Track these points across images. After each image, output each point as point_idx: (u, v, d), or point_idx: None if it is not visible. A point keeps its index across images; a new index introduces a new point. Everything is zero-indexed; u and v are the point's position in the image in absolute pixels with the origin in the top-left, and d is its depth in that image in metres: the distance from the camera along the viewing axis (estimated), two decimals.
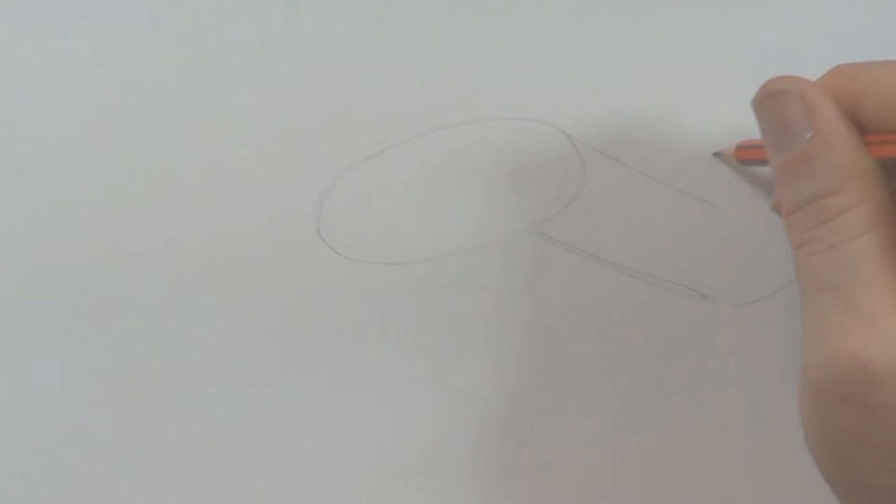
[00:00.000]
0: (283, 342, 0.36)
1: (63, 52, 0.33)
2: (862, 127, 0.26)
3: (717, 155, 0.37)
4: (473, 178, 0.36)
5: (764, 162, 0.32)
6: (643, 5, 0.37)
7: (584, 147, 0.37)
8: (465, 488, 0.37)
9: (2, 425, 0.35)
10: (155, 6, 0.34)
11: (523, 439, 0.38)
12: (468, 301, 0.37)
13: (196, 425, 0.36)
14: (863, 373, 0.24)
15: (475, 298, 0.37)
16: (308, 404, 0.37)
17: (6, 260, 0.34)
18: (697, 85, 0.37)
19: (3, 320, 0.35)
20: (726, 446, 0.39)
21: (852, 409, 0.25)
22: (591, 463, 0.38)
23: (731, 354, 0.39)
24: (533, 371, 0.37)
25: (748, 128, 0.38)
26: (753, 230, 0.39)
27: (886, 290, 0.24)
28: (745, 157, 0.35)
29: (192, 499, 0.36)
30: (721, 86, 0.38)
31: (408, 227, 0.36)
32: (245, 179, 0.35)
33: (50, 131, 0.34)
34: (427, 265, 0.36)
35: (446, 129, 0.36)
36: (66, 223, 0.34)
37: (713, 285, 0.38)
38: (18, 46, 0.33)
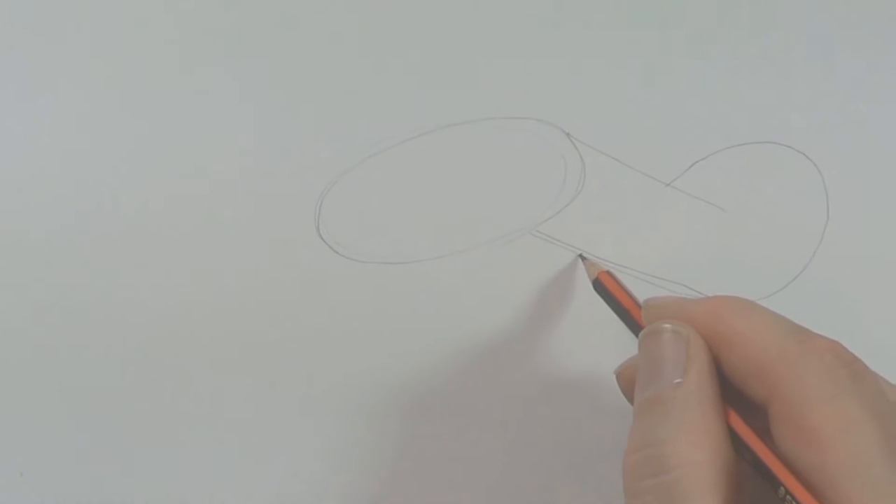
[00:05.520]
0: (283, 341, 0.36)
1: (63, 51, 0.33)
2: (723, 371, 0.26)
3: (581, 256, 0.36)
4: (473, 178, 0.36)
5: (614, 304, 0.32)
6: (643, 6, 0.37)
7: (584, 147, 0.37)
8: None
9: (2, 425, 0.35)
10: (155, 6, 0.34)
11: (525, 438, 0.38)
12: (468, 301, 0.37)
13: (197, 423, 0.36)
14: None
15: (475, 298, 0.37)
16: (307, 403, 0.37)
17: (7, 260, 0.34)
18: (698, 85, 0.37)
19: (3, 321, 0.35)
20: None
21: None
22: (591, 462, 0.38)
23: None
24: (533, 370, 0.37)
25: (748, 128, 0.38)
26: (753, 230, 0.39)
27: None
28: (605, 285, 0.33)
29: (196, 499, 0.36)
30: (721, 86, 0.38)
31: (408, 227, 0.36)
32: (245, 179, 0.35)
33: (49, 129, 0.34)
34: (427, 265, 0.36)
35: (447, 129, 0.36)
36: (67, 223, 0.34)
37: (713, 285, 0.38)
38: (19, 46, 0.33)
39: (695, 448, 0.24)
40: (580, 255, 0.36)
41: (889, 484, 0.22)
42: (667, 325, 0.27)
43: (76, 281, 0.34)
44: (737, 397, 0.26)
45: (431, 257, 0.36)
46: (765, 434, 0.25)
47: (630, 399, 0.28)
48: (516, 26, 0.36)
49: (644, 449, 0.25)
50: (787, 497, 0.24)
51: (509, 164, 0.36)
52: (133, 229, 0.34)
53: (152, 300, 0.35)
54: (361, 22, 0.35)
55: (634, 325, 0.30)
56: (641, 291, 0.37)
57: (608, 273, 0.33)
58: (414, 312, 0.36)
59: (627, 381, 0.29)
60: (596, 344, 0.38)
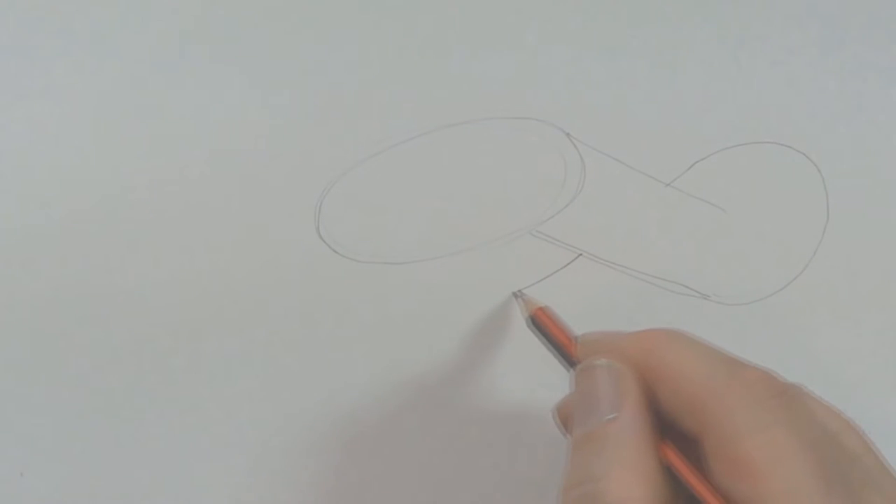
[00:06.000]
0: (283, 341, 0.36)
1: (62, 51, 0.33)
2: (658, 405, 0.26)
3: (515, 294, 0.36)
4: (473, 178, 0.36)
5: (548, 340, 0.31)
6: (643, 6, 0.37)
7: (584, 147, 0.37)
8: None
9: (2, 425, 0.35)
10: (156, 5, 0.34)
11: (528, 433, 0.38)
12: (468, 301, 0.37)
13: (196, 422, 0.36)
14: None
15: (475, 298, 0.37)
16: (307, 402, 0.37)
17: (8, 261, 0.34)
18: (698, 85, 0.37)
19: (4, 321, 0.35)
20: None
21: None
22: None
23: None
24: (532, 368, 0.37)
25: (748, 128, 0.38)
26: (753, 230, 0.39)
27: None
28: (539, 322, 0.33)
29: (198, 499, 0.36)
30: (721, 86, 0.38)
31: (408, 227, 0.36)
32: (245, 179, 0.35)
33: (48, 132, 0.34)
34: (427, 265, 0.36)
35: (446, 129, 0.36)
36: (66, 224, 0.34)
37: (713, 285, 0.38)
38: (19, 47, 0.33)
39: (630, 485, 0.24)
40: (514, 293, 0.35)
41: None
42: (600, 361, 0.27)
43: (76, 281, 0.34)
44: (673, 431, 0.26)
45: (431, 257, 0.36)
46: (701, 467, 0.25)
47: (568, 435, 0.28)
48: (516, 26, 0.36)
49: (580, 486, 0.25)
50: None
51: (509, 164, 0.36)
52: (133, 229, 0.34)
53: (152, 300, 0.35)
54: (361, 22, 0.35)
55: (570, 362, 0.30)
56: (642, 291, 0.37)
57: (542, 310, 0.32)
58: (413, 313, 0.36)
59: (564, 417, 0.29)
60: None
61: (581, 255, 0.37)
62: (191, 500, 0.36)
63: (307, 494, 0.37)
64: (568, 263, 0.37)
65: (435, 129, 0.36)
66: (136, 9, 0.33)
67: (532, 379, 0.37)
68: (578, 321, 0.37)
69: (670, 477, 0.25)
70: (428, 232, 0.36)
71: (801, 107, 0.38)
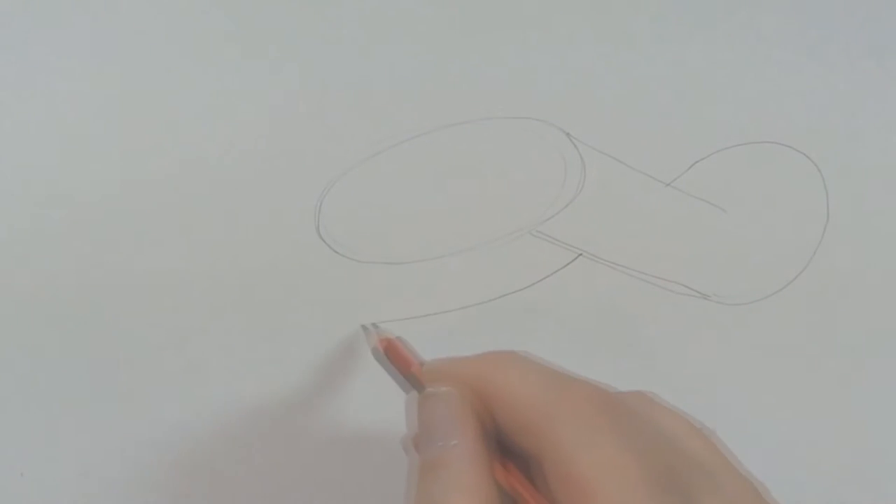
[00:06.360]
0: (283, 341, 0.36)
1: (62, 51, 0.33)
2: (498, 428, 0.27)
3: (364, 328, 0.36)
4: (473, 178, 0.36)
5: (393, 372, 0.32)
6: (644, 6, 0.37)
7: (584, 147, 0.37)
8: None
9: (2, 425, 0.35)
10: (156, 6, 0.34)
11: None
12: (468, 301, 0.37)
13: (197, 424, 0.36)
14: None
15: (475, 298, 0.37)
16: (306, 401, 0.37)
17: (8, 261, 0.34)
18: (698, 85, 0.37)
19: (4, 321, 0.35)
20: (725, 444, 0.39)
21: None
22: None
23: (731, 354, 0.39)
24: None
25: (748, 128, 0.38)
26: (753, 230, 0.39)
27: None
28: (383, 354, 0.33)
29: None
30: (721, 85, 0.38)
31: (407, 227, 0.36)
32: (245, 179, 0.35)
33: (49, 130, 0.34)
34: (427, 265, 0.36)
35: (446, 129, 0.36)
36: (67, 223, 0.34)
37: (713, 285, 0.38)
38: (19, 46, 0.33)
39: None
40: (363, 326, 0.35)
41: None
42: (438, 390, 0.28)
43: (76, 281, 0.34)
44: (514, 453, 0.26)
45: (431, 257, 0.36)
46: (542, 488, 0.25)
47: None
48: (516, 26, 0.36)
49: None
50: None
51: (509, 164, 0.36)
52: (132, 228, 0.34)
53: (152, 300, 0.35)
54: (361, 22, 0.35)
55: (419, 391, 0.31)
56: (642, 291, 0.37)
57: (388, 341, 0.33)
58: (413, 313, 0.36)
59: (410, 445, 0.30)
60: (596, 343, 0.38)
61: (581, 255, 0.37)
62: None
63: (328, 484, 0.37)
64: (568, 263, 0.37)
65: (435, 129, 0.36)
66: (136, 8, 0.33)
67: None
68: (578, 321, 0.37)
69: (511, 500, 0.26)
70: (428, 232, 0.36)
71: (801, 107, 0.38)
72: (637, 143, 0.37)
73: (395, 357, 0.32)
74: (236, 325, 0.36)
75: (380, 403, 0.37)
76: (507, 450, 0.27)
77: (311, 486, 0.37)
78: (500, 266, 0.37)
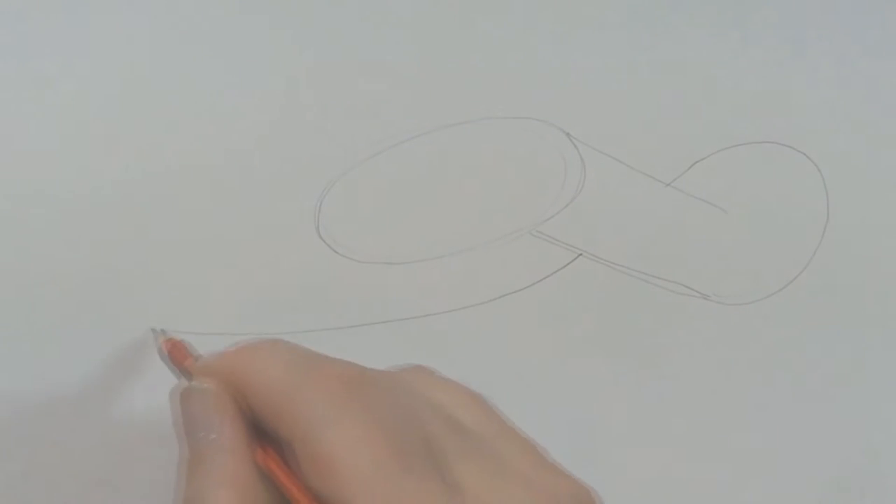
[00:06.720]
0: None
1: (63, 50, 0.33)
2: (255, 416, 0.27)
3: (153, 330, 0.35)
4: (473, 178, 0.36)
5: (172, 368, 0.32)
6: (644, 7, 0.37)
7: (584, 147, 0.37)
8: None
9: (2, 425, 0.35)
10: (156, 6, 0.34)
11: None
12: (468, 301, 0.37)
13: None
14: None
15: (475, 299, 0.37)
16: None
17: (8, 260, 0.34)
18: (698, 85, 0.37)
19: (4, 320, 0.35)
20: (726, 445, 0.39)
21: None
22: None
23: (731, 354, 0.39)
24: (531, 368, 0.37)
25: (748, 128, 0.38)
26: (753, 230, 0.39)
27: None
28: (170, 354, 0.33)
29: None
30: (721, 85, 0.38)
31: (408, 227, 0.36)
32: (245, 179, 0.35)
33: (49, 130, 0.34)
34: (427, 265, 0.36)
35: (446, 129, 0.36)
36: (67, 222, 0.34)
37: (713, 285, 0.38)
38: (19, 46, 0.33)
39: (228, 500, 0.25)
40: (152, 329, 0.35)
41: (398, 492, 0.23)
42: (195, 385, 0.28)
43: (75, 280, 0.34)
44: (274, 440, 0.27)
45: (431, 257, 0.36)
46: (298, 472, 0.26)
47: None
48: (517, 26, 0.36)
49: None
50: None
51: (509, 164, 0.36)
52: (132, 228, 0.34)
53: (151, 300, 0.35)
54: (361, 22, 0.35)
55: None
56: (642, 291, 0.37)
57: (173, 342, 0.33)
58: (413, 313, 0.36)
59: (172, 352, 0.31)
60: (595, 343, 0.38)
61: (581, 255, 0.37)
62: None
63: None
64: (568, 263, 0.37)
65: (435, 129, 0.36)
66: (136, 8, 0.33)
67: None
68: (578, 321, 0.37)
69: (275, 488, 0.26)
70: (428, 232, 0.36)
71: (801, 107, 0.38)
72: (637, 143, 0.37)
73: (176, 356, 0.32)
74: (237, 325, 0.35)
75: None
76: (268, 438, 0.27)
77: None
78: (500, 266, 0.37)
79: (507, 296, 0.37)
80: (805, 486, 0.40)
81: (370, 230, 0.36)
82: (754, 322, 0.39)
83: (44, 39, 0.33)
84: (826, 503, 0.41)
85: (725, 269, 0.39)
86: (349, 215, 0.35)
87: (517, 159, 0.36)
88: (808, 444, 0.41)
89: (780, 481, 0.39)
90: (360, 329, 0.36)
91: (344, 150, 0.35)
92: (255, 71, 0.34)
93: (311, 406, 0.25)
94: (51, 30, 0.33)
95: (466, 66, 0.36)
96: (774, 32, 0.38)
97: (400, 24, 0.35)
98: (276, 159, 0.35)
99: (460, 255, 0.36)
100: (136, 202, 0.34)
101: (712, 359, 0.39)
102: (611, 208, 0.37)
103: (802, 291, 0.39)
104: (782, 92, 0.38)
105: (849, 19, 0.38)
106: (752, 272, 0.39)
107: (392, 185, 0.36)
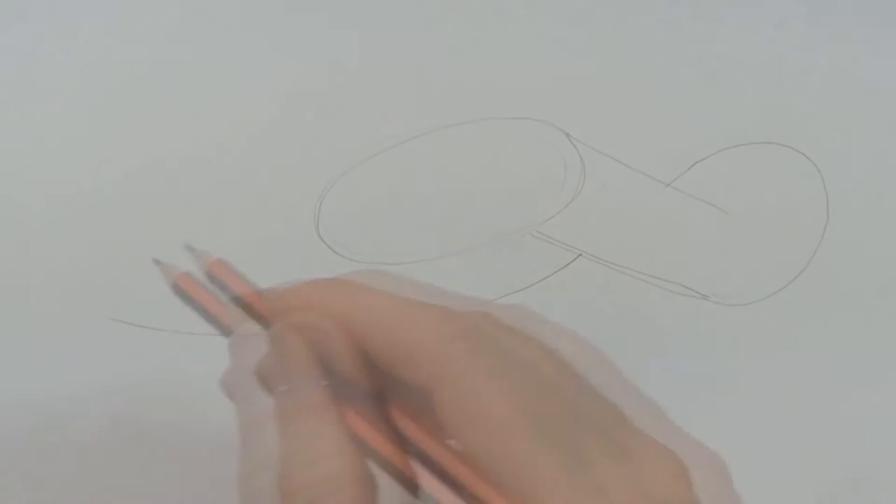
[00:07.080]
0: None
1: (63, 50, 0.33)
2: (372, 359, 0.23)
3: (155, 261, 0.29)
4: (473, 178, 0.36)
5: (199, 307, 0.27)
6: (643, 7, 0.37)
7: (584, 147, 0.37)
8: None
9: (2, 425, 0.35)
10: (157, 6, 0.34)
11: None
12: None
13: (199, 427, 0.36)
14: None
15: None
16: None
17: (9, 258, 0.34)
18: (697, 85, 0.37)
19: (4, 319, 0.35)
20: (726, 445, 0.39)
21: None
22: None
23: (731, 354, 0.39)
24: None
25: (748, 128, 0.38)
26: (753, 230, 0.39)
27: None
28: (184, 289, 0.28)
29: None
30: (721, 85, 0.38)
31: (407, 227, 0.36)
32: (245, 179, 0.35)
33: (49, 130, 0.34)
34: (427, 265, 0.36)
35: (446, 129, 0.36)
36: (67, 222, 0.34)
37: (713, 285, 0.38)
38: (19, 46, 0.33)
39: (352, 460, 0.21)
40: (154, 260, 0.29)
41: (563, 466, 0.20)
42: (291, 324, 0.24)
43: (78, 279, 0.34)
44: (390, 385, 0.23)
45: (431, 257, 0.36)
46: (428, 420, 0.22)
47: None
48: (516, 27, 0.36)
49: (301, 468, 0.22)
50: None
51: (509, 164, 0.36)
52: (131, 228, 0.34)
53: (151, 300, 0.35)
54: (361, 22, 0.35)
55: (225, 329, 0.27)
56: (641, 291, 0.37)
57: (187, 276, 0.28)
58: None
59: (263, 381, 0.25)
60: (595, 343, 0.38)
61: (581, 255, 0.37)
62: None
63: None
64: (568, 263, 0.37)
65: (435, 129, 0.36)
66: (137, 8, 0.33)
67: None
68: (578, 321, 0.37)
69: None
70: (428, 232, 0.36)
71: (800, 107, 0.38)
72: (637, 143, 0.37)
73: (193, 292, 0.28)
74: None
75: None
76: (381, 383, 0.23)
77: None
78: (500, 266, 0.37)
79: (507, 296, 0.37)
80: (805, 487, 0.40)
81: (370, 230, 0.36)
82: (754, 322, 0.39)
83: (44, 39, 0.33)
84: (826, 503, 0.41)
85: (725, 269, 0.39)
86: (349, 215, 0.35)
87: (517, 159, 0.36)
88: (808, 444, 0.41)
89: (780, 482, 0.39)
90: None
91: (344, 150, 0.35)
92: (255, 71, 0.34)
93: (465, 358, 0.22)
94: (51, 30, 0.33)
95: (466, 66, 0.36)
96: (775, 33, 0.38)
97: (400, 25, 0.35)
98: (276, 159, 0.35)
99: (460, 255, 0.36)
100: (135, 202, 0.34)
101: (712, 359, 0.39)
102: (611, 208, 0.37)
103: (802, 291, 0.39)
104: (782, 92, 0.38)
105: (849, 19, 0.38)
106: (752, 272, 0.39)
107: (392, 185, 0.36)
